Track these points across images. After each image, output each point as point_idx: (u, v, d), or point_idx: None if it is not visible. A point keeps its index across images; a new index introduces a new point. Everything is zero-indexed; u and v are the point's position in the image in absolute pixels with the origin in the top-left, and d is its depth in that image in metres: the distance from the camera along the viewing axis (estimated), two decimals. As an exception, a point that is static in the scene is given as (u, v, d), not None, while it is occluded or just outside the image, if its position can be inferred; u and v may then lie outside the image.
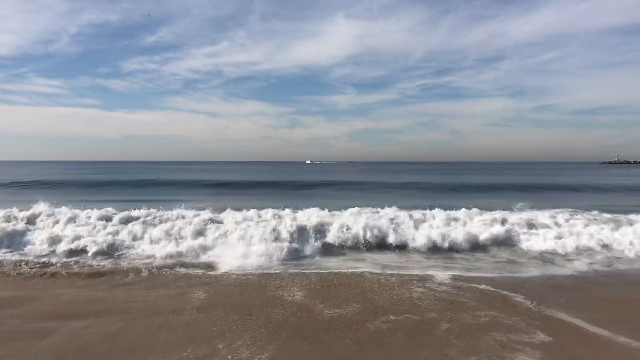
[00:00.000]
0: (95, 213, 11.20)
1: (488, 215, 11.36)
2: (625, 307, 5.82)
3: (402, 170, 74.24)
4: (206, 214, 11.22)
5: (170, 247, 9.05)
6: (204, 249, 9.07)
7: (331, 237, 9.91)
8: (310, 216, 11.10)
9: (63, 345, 4.66)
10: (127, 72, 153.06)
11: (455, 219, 11.16)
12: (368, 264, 8.31)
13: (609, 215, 11.87)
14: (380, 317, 5.38)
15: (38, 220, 10.92)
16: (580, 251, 9.34)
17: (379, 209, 12.17)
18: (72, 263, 8.31)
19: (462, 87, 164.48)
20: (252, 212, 11.43)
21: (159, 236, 9.75)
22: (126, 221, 10.76)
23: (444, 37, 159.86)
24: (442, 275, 7.34)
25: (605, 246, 9.63)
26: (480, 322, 5.26)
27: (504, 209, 12.26)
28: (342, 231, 10.02)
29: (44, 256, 8.82)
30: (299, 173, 56.67)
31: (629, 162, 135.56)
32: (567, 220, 11.15)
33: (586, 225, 10.75)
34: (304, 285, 6.80)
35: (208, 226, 10.28)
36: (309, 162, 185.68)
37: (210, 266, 8.06)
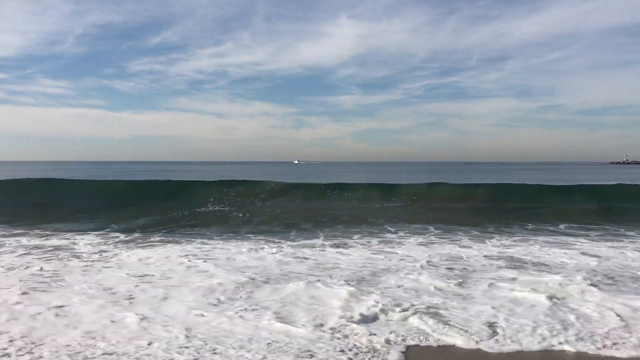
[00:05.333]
0: None
1: None
2: None
3: (402, 170, 71.27)
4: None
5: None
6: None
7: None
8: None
9: None
10: (133, 73, 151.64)
11: None
12: None
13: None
14: None
15: None
16: None
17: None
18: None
19: (467, 87, 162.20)
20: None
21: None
22: None
23: (448, 37, 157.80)
24: None
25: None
26: None
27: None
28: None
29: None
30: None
31: (638, 163, 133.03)
32: None
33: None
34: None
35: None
36: (296, 162, 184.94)
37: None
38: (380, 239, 11.36)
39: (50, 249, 9.86)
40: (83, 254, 9.29)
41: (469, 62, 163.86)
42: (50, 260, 8.68)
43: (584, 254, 9.53)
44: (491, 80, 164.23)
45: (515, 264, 8.67)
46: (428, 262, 8.73)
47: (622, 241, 11.11)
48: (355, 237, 11.73)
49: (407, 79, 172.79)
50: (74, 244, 10.49)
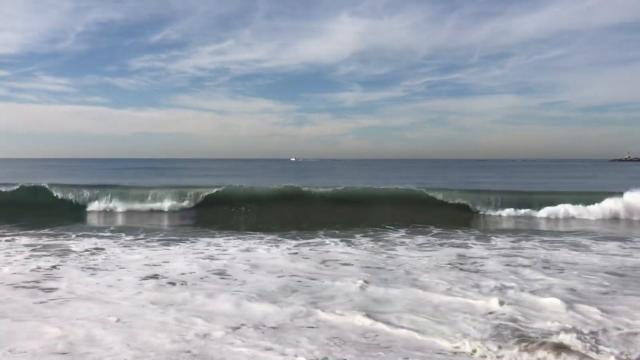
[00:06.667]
0: None
1: None
2: None
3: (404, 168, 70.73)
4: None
5: None
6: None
7: None
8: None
9: None
10: (134, 70, 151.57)
11: None
12: None
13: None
14: None
15: None
16: None
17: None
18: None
19: (468, 84, 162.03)
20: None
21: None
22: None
23: (449, 34, 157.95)
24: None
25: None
26: None
27: None
28: None
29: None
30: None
31: (639, 160, 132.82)
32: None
33: None
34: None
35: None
36: (293, 159, 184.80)
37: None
38: (385, 239, 11.41)
39: (51, 249, 9.88)
40: (83, 254, 9.32)
41: (470, 59, 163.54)
42: (50, 260, 8.70)
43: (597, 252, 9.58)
44: (493, 77, 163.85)
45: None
46: (437, 264, 8.76)
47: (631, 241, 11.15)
48: (358, 236, 11.77)
49: (409, 76, 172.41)
50: (75, 245, 10.52)
